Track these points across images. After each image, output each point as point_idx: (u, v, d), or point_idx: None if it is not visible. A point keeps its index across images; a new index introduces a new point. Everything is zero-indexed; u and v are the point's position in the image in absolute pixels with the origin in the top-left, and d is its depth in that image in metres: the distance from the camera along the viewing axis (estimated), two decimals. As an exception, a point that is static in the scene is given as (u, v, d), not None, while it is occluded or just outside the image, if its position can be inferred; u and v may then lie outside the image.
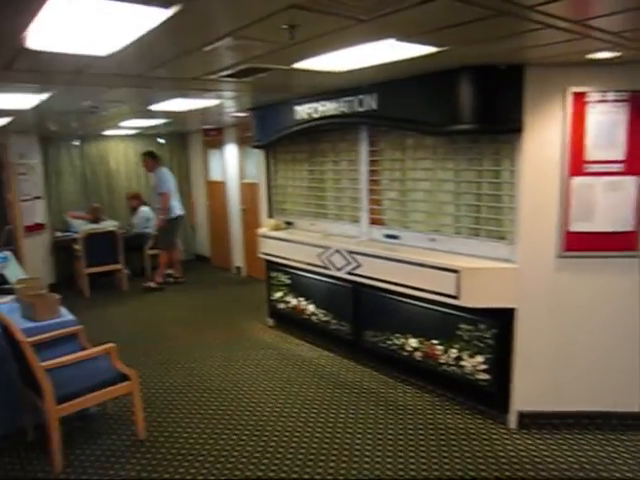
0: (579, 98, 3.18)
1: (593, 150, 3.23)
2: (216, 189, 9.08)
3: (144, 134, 8.97)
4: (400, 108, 3.89)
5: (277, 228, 5.58)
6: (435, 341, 3.99)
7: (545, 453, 3.34)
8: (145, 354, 5.34)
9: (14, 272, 5.06)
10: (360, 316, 4.69)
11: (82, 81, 3.51)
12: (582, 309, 3.45)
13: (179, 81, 3.69)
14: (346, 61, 3.07)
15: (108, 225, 8.12)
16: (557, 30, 2.32)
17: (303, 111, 4.81)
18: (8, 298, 4.43)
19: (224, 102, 5.05)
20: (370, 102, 4.08)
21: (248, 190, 8.11)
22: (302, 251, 5.09)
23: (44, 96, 4.04)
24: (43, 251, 8.01)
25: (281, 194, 5.84)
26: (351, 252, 4.52)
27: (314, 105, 4.66)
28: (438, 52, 2.76)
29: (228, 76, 3.44)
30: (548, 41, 2.57)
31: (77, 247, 7.67)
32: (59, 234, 8.30)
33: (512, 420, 3.65)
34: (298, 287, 5.44)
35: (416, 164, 4.22)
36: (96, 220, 8.26)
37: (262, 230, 5.75)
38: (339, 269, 4.67)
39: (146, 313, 6.83)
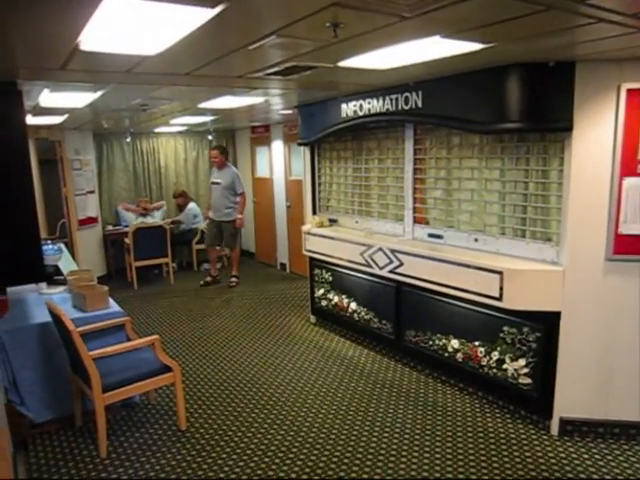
0: (633, 95, 3.05)
1: (648, 149, 3.09)
2: (263, 186, 9.19)
3: (193, 131, 9.16)
4: (446, 106, 3.83)
5: (321, 225, 5.61)
6: (477, 343, 3.92)
7: (588, 462, 3.23)
8: (188, 347, 5.47)
9: (67, 264, 5.26)
10: (402, 315, 4.66)
11: (132, 80, 3.62)
12: (631, 314, 3.32)
13: (225, 79, 3.74)
14: (391, 59, 3.05)
15: (157, 219, 8.35)
16: (610, 24, 2.23)
17: (349, 108, 4.81)
18: (61, 288, 4.63)
19: (270, 100, 5.10)
20: (415, 100, 4.04)
21: (294, 187, 8.16)
22: (345, 249, 5.10)
23: (97, 95, 4.19)
24: (95, 244, 8.31)
25: (326, 191, 5.86)
26: (394, 251, 4.49)
27: (360, 102, 4.65)
28: (484, 49, 2.71)
29: (273, 74, 3.47)
30: (600, 36, 2.47)
31: (127, 240, 7.92)
32: (110, 228, 8.60)
33: (554, 427, 3.55)
34: (340, 284, 5.44)
35: (462, 163, 4.15)
36: (145, 214, 8.53)
37: (306, 227, 5.79)
38: (381, 268, 4.65)
39: (191, 307, 6.97)
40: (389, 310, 4.79)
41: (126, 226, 8.35)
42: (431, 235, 4.47)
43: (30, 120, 5.78)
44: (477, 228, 4.06)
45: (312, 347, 5.33)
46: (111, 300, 4.26)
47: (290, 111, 6.13)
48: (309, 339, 5.57)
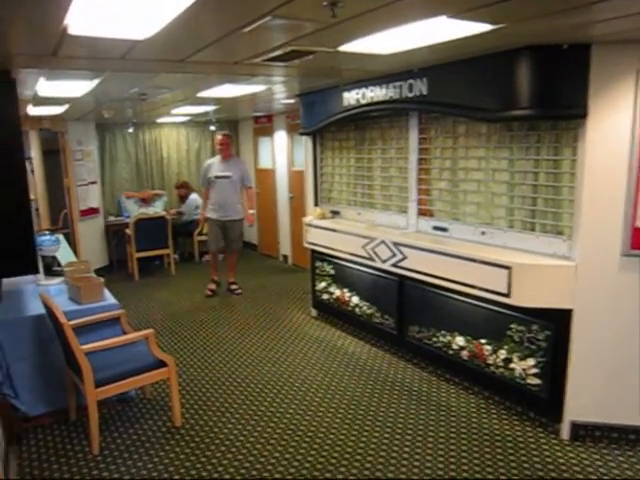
0: (654, 80, 2.87)
1: (668, 138, 2.92)
2: (265, 177, 9.04)
3: (195, 121, 9.02)
4: (452, 93, 3.66)
5: (322, 217, 5.46)
6: (483, 340, 3.78)
7: (602, 470, 3.07)
8: (186, 340, 5.36)
9: (65, 254, 5.16)
10: (405, 310, 4.52)
11: (126, 67, 3.49)
12: (648, 313, 3.16)
13: (223, 65, 3.60)
14: (395, 43, 2.90)
15: (158, 209, 8.23)
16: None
17: (351, 97, 4.65)
18: (58, 280, 4.53)
19: (271, 88, 4.95)
20: (420, 87, 3.88)
21: (297, 178, 8.03)
22: (347, 241, 4.96)
23: (94, 83, 4.06)
24: (97, 235, 8.21)
25: (328, 182, 5.71)
26: (397, 244, 4.34)
27: (362, 91, 4.49)
28: (493, 30, 2.54)
29: (272, 60, 3.31)
30: (621, 13, 2.28)
31: (128, 231, 7.82)
32: (112, 218, 8.50)
33: (564, 430, 3.40)
34: (342, 278, 5.31)
35: (468, 153, 3.98)
36: (146, 203, 8.41)
37: (307, 219, 5.65)
38: (384, 261, 4.51)
39: (192, 297, 6.88)
40: (392, 305, 4.65)
41: (128, 217, 8.24)
42: (436, 228, 4.32)
43: (32, 111, 5.68)
44: (484, 221, 3.90)
45: (313, 342, 5.21)
46: (107, 292, 4.15)
47: (292, 100, 5.98)
48: (310, 333, 5.45)
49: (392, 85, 4.14)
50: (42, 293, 3.73)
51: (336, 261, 5.33)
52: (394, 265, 4.40)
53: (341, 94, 4.74)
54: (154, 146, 9.05)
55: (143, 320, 5.98)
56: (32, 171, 7.38)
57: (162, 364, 3.61)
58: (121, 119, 7.81)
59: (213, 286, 6.97)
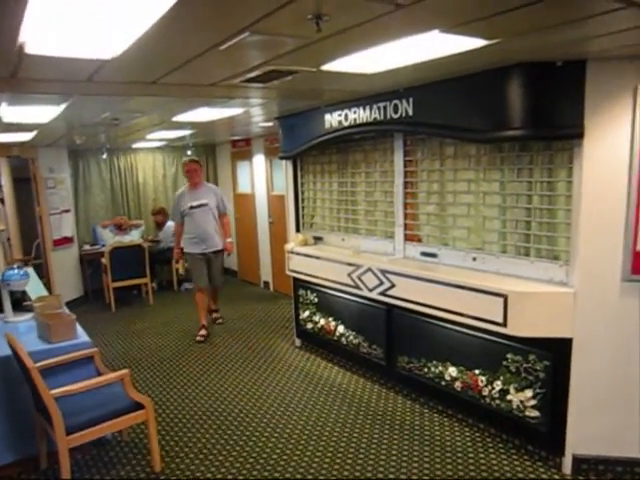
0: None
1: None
2: (245, 201, 8.84)
3: (172, 146, 8.82)
4: (439, 113, 3.53)
5: (305, 243, 5.27)
6: (477, 371, 3.59)
7: (608, 507, 2.90)
8: (166, 375, 5.07)
9: (35, 288, 4.86)
10: (394, 340, 4.32)
11: (94, 90, 3.28)
12: (651, 341, 3.01)
13: (198, 88, 3.43)
14: (382, 61, 2.75)
15: (135, 237, 7.95)
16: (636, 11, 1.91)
17: (333, 119, 4.50)
18: (28, 316, 4.25)
19: (249, 111, 4.80)
20: (406, 107, 3.74)
21: (277, 203, 7.85)
22: (331, 269, 4.76)
23: (60, 108, 3.85)
24: (71, 265, 7.88)
25: (309, 207, 5.53)
26: (384, 271, 4.16)
27: (345, 112, 4.34)
28: (487, 46, 2.41)
29: (250, 80, 3.15)
30: (619, 27, 2.16)
31: (104, 261, 7.51)
32: (87, 247, 8.17)
33: (566, 464, 3.21)
34: (327, 306, 5.10)
35: (457, 175, 3.84)
36: (123, 231, 8.11)
37: (289, 245, 5.44)
38: (371, 289, 4.32)
39: (170, 329, 6.59)
40: (380, 334, 4.45)
41: (104, 245, 7.95)
42: (424, 254, 4.16)
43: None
44: (475, 246, 3.75)
45: (298, 373, 4.96)
46: (80, 329, 3.88)
47: (271, 123, 5.83)
48: (294, 364, 5.21)
49: (376, 106, 4.00)
50: (8, 333, 3.45)
51: (320, 289, 5.13)
52: (382, 294, 4.21)
53: (323, 116, 4.59)
54: (129, 172, 8.81)
55: (120, 355, 5.68)
56: (1, 200, 7.10)
57: (139, 406, 3.35)
58: (94, 145, 7.57)
59: (204, 331, 6.14)
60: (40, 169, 7.10)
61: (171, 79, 3.04)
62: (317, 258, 4.95)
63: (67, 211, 7.68)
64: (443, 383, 3.87)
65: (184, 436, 3.88)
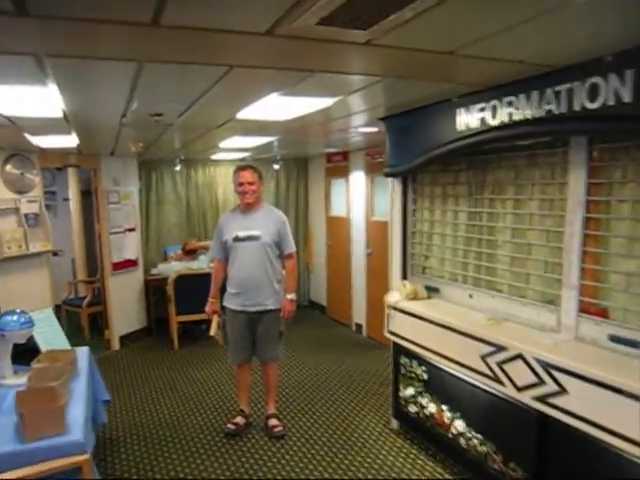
0: None
1: None
2: (338, 226, 7.43)
3: (257, 159, 7.64)
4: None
5: (415, 296, 3.73)
6: None
7: None
8: (216, 455, 3.74)
9: (51, 337, 3.75)
10: (549, 466, 2.67)
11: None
12: None
13: (252, 36, 2.00)
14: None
15: (203, 264, 6.77)
16: None
17: (471, 117, 2.95)
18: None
19: (345, 101, 3.23)
20: (616, 89, 2.11)
21: (377, 230, 6.38)
22: (453, 342, 3.18)
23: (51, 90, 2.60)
24: (134, 291, 6.81)
25: (422, 244, 3.98)
26: (547, 364, 2.53)
27: (492, 104, 2.77)
28: None
29: (337, 15, 1.68)
30: None
31: (168, 290, 6.40)
32: (156, 271, 7.10)
33: None
34: (440, 389, 3.51)
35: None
36: (190, 256, 6.97)
37: (392, 297, 3.90)
38: (520, 389, 2.69)
39: (224, 387, 5.25)
40: (524, 450, 2.82)
41: (158, 273, 6.91)
42: (617, 339, 2.49)
43: (34, 140, 4.40)
44: None
45: (391, 473, 3.44)
46: (73, 422, 2.62)
47: (375, 129, 4.37)
48: (386, 460, 3.69)
49: (551, 91, 2.40)
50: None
51: (432, 362, 3.56)
52: (540, 400, 2.58)
53: (452, 113, 3.05)
54: (208, 187, 7.68)
55: (164, 418, 4.45)
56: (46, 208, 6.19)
57: None
58: (160, 154, 6.49)
59: (239, 419, 4.27)
60: (103, 181, 6.12)
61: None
62: (432, 323, 3.38)
63: (132, 230, 6.63)
64: None
65: None
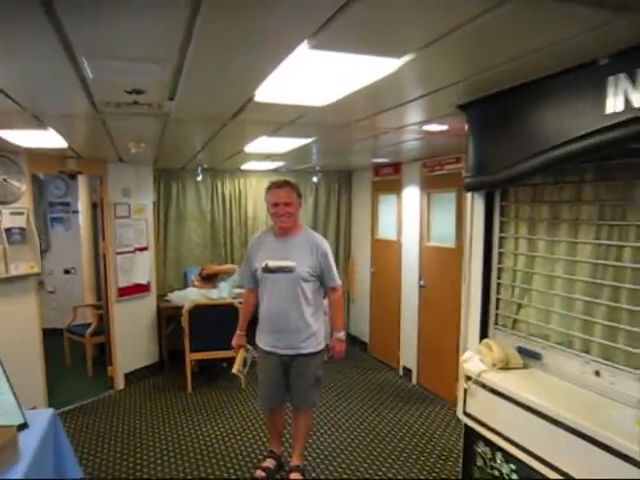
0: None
1: None
2: (386, 251, 6.29)
3: (294, 170, 6.61)
4: None
5: (506, 364, 2.56)
6: None
7: None
8: None
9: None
10: None
11: None
12: None
13: None
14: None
15: (224, 293, 5.74)
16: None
17: (638, 91, 1.78)
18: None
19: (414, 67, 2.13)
20: None
21: (434, 257, 5.26)
22: (571, 447, 2.01)
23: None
24: (144, 320, 5.81)
25: (516, 289, 2.81)
26: None
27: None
28: None
29: None
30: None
31: (182, 322, 5.39)
32: (173, 295, 6.09)
33: None
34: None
35: None
36: (209, 283, 5.95)
37: (472, 363, 2.72)
38: None
39: (251, 443, 4.21)
40: None
41: (168, 301, 5.94)
42: None
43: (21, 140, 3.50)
44: None
45: None
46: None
47: (443, 126, 3.27)
48: None
49: None
50: None
51: (525, 461, 2.37)
52: None
53: (598, 87, 1.85)
54: (236, 201, 6.65)
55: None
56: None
57: None
58: (184, 163, 5.52)
59: (269, 462, 3.73)
60: (109, 191, 5.18)
61: None
62: (532, 411, 2.21)
63: (144, 249, 5.64)
64: None
65: None
